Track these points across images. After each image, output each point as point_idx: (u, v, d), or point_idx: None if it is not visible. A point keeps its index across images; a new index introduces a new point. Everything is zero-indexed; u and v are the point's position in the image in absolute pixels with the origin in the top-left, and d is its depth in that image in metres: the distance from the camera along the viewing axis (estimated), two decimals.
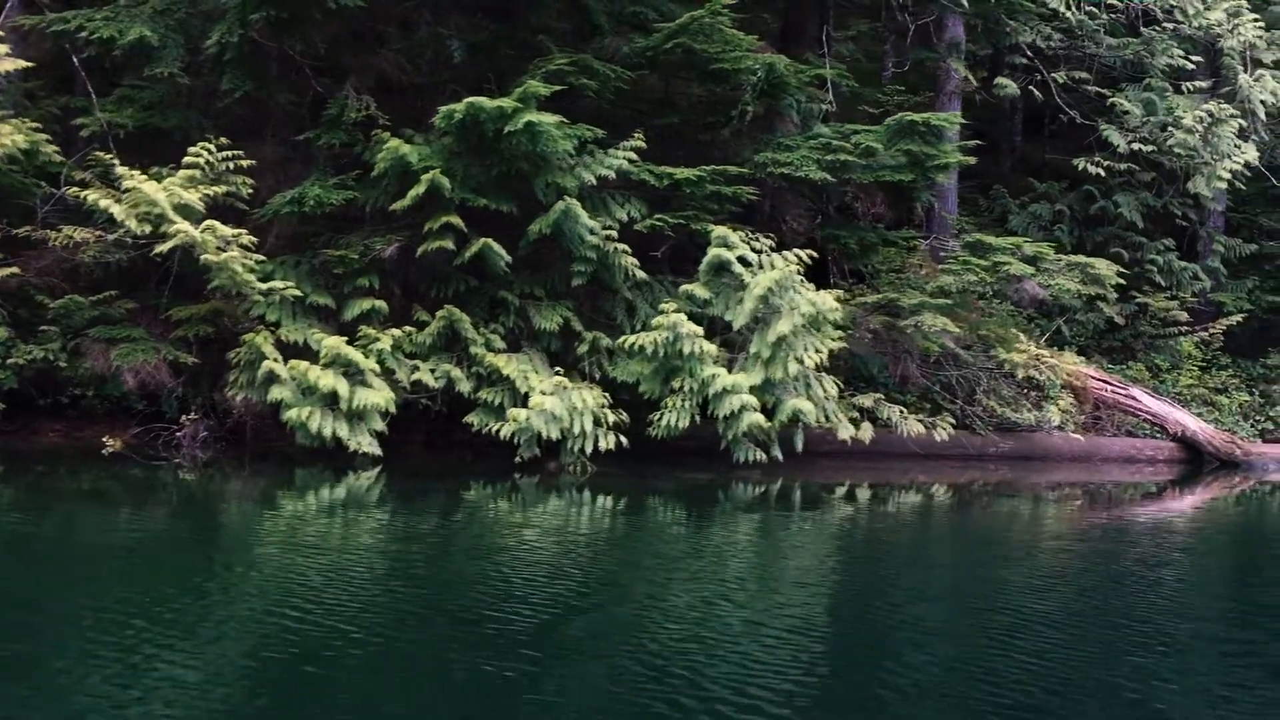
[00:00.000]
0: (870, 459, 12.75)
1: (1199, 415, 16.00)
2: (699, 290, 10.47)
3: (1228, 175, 13.87)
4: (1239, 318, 16.59)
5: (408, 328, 10.10)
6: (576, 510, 8.86)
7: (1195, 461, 14.77)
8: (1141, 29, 14.41)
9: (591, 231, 10.30)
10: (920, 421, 12.44)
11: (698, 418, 10.03)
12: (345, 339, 9.67)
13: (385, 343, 9.84)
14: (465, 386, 10.30)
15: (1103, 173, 14.77)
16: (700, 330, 9.98)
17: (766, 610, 5.94)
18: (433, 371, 10.24)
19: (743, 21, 11.66)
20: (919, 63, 16.74)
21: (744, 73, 10.90)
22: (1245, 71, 14.84)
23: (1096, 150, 15.42)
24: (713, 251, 10.40)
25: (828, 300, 9.99)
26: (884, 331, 12.50)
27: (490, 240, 10.06)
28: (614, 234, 10.49)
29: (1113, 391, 15.11)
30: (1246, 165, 15.25)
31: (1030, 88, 14.75)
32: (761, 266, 10.56)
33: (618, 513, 8.91)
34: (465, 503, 9.02)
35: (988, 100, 16.47)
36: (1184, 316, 16.40)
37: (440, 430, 11.28)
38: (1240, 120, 13.82)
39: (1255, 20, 14.75)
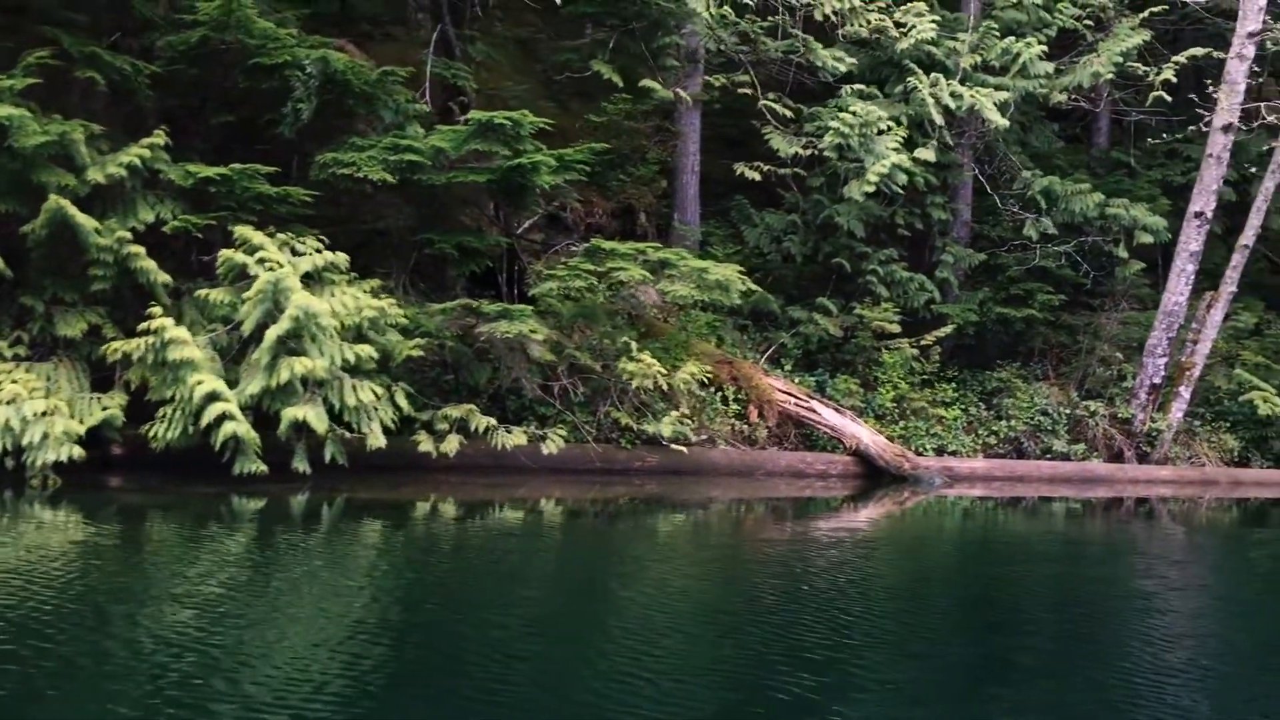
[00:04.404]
0: (496, 474, 12.19)
1: (905, 429, 15.52)
2: (217, 295, 9.95)
3: (875, 179, 13.42)
4: (949, 329, 16.13)
5: None
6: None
7: (873, 476, 14.26)
8: (794, 31, 13.99)
9: (99, 233, 9.79)
10: (525, 434, 11.93)
11: (191, 428, 9.49)
12: None
13: None
14: None
15: (758, 177, 14.33)
16: (187, 335, 9.45)
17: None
18: None
19: None
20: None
21: (287, 68, 10.43)
22: (927, 75, 14.47)
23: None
24: (224, 254, 9.90)
25: (315, 304, 9.45)
26: (500, 340, 11.97)
27: None
28: (128, 236, 9.98)
29: (795, 404, 14.63)
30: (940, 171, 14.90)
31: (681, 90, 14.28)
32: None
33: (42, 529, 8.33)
34: None
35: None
36: (896, 329, 15.94)
37: None
38: (891, 124, 13.40)
39: (934, 23, 14.37)
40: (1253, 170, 16.71)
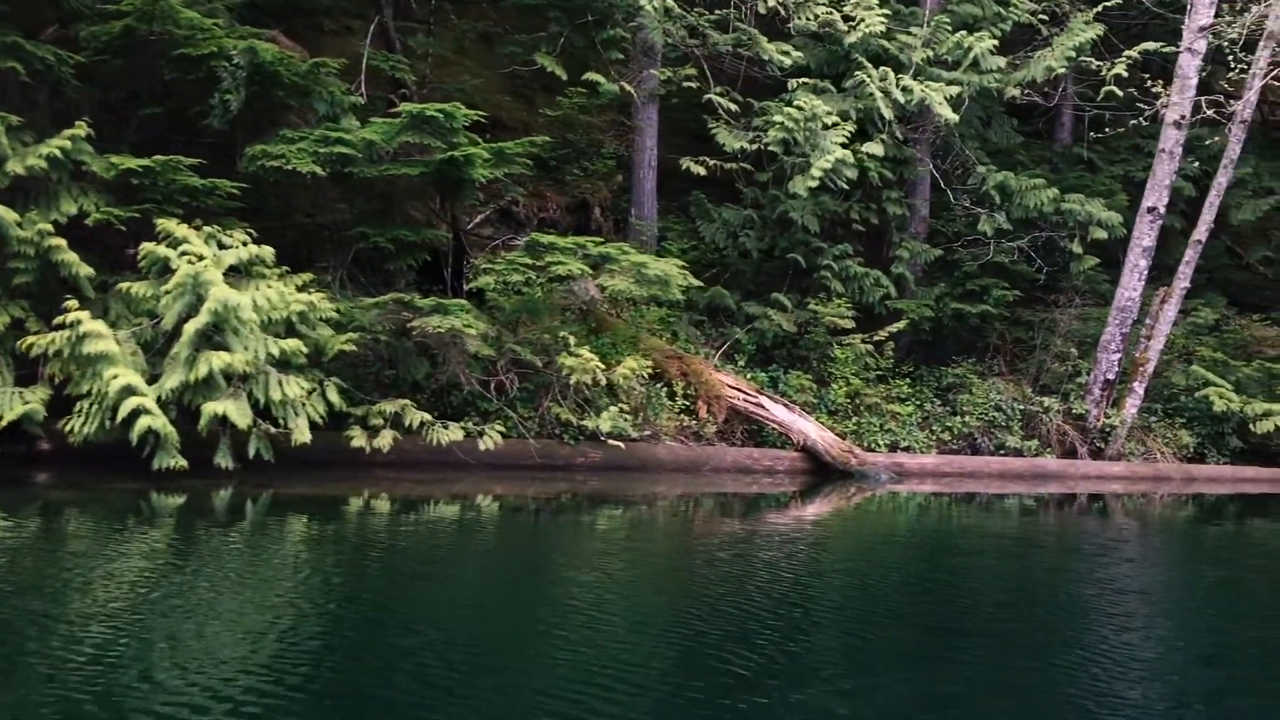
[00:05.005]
0: (434, 470, 12.08)
1: (857, 425, 15.45)
2: (140, 288, 9.86)
3: (819, 174, 13.35)
4: (902, 325, 16.07)
5: None
6: None
7: (821, 472, 14.19)
8: (741, 24, 13.89)
9: (20, 225, 9.69)
10: (463, 429, 11.84)
11: (108, 422, 9.39)
12: None
13: None
14: None
15: (704, 171, 14.25)
16: (103, 328, 9.35)
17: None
18: None
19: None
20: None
21: (214, 59, 10.32)
22: (877, 69, 14.39)
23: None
24: (146, 247, 9.80)
25: (235, 297, 9.35)
26: (435, 335, 11.87)
27: None
28: (49, 228, 9.87)
29: (744, 400, 14.56)
30: (881, 162, 14.83)
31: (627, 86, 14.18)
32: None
33: None
34: None
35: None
36: (849, 324, 15.87)
37: None
38: (838, 119, 13.32)
39: (882, 17, 14.29)
40: (1196, 163, 16.67)
